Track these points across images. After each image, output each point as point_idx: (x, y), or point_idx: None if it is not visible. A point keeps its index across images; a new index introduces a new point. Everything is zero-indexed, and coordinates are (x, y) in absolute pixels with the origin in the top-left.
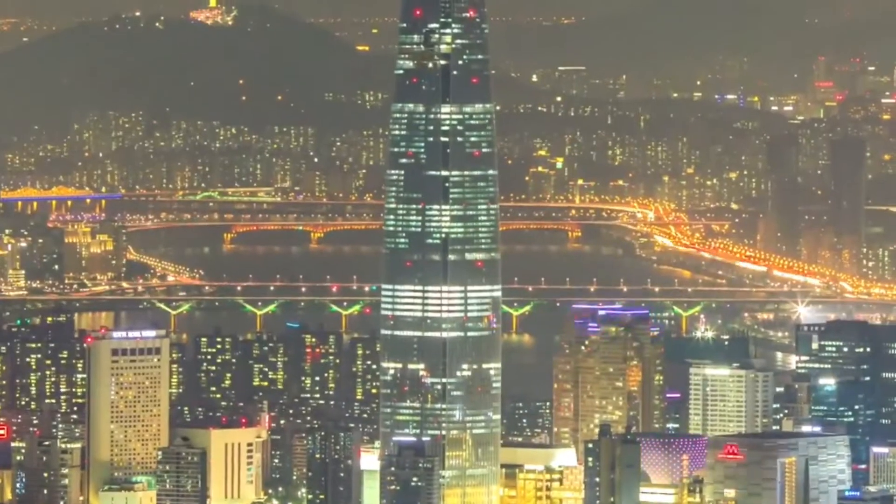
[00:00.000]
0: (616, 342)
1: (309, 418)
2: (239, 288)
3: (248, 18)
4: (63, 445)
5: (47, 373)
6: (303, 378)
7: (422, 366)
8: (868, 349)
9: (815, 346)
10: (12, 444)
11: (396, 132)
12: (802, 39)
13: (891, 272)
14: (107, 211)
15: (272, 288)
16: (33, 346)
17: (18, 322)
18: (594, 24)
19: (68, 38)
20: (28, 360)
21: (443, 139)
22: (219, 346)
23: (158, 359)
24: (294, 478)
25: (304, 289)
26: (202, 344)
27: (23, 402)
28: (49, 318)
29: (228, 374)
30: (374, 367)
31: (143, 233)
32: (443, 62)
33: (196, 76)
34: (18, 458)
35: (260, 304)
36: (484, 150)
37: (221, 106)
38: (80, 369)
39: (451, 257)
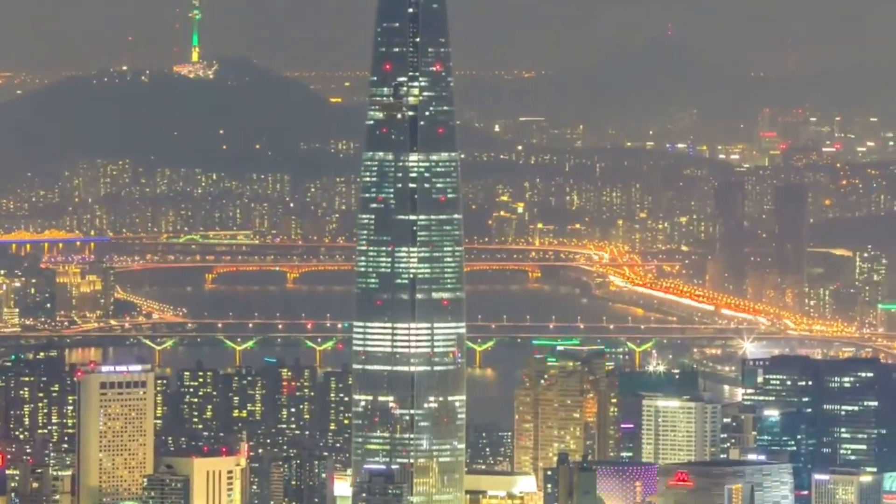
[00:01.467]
0: (573, 376)
1: (285, 447)
2: (219, 325)
3: (229, 72)
4: (55, 473)
5: (40, 405)
6: (280, 410)
7: (391, 398)
8: (810, 382)
9: (760, 379)
10: (7, 472)
11: (367, 179)
12: (748, 92)
13: (831, 311)
14: (96, 253)
15: (251, 325)
16: (27, 379)
17: (13, 357)
18: (553, 77)
19: (60, 91)
20: (22, 392)
21: (411, 185)
22: (200, 380)
23: (144, 391)
24: (272, 503)
25: (280, 326)
26: (185, 377)
27: (17, 433)
28: (41, 354)
29: (210, 406)
30: (347, 399)
31: (129, 273)
32: (411, 113)
33: (179, 126)
34: (13, 484)
35: (239, 340)
36: (449, 195)
37: (203, 154)
38: (70, 402)
39: (419, 296)
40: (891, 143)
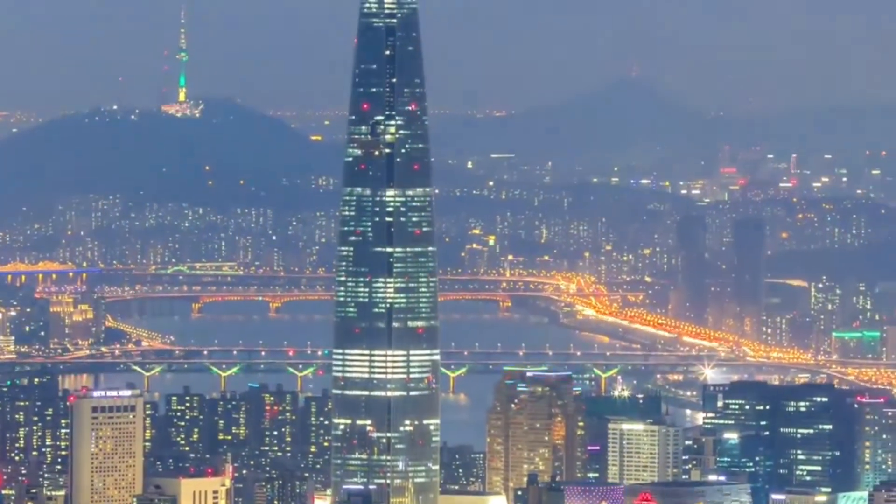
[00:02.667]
0: (542, 400)
1: (268, 468)
2: (205, 352)
3: (214, 111)
4: (48, 493)
5: (34, 428)
6: (263, 433)
7: (369, 421)
8: (767, 407)
9: (720, 404)
10: (3, 492)
11: (346, 213)
12: (708, 130)
13: (787, 338)
14: (87, 283)
15: (235, 352)
16: (22, 404)
17: (9, 383)
18: (522, 116)
19: (53, 129)
20: (17, 416)
21: (387, 219)
22: (187, 404)
23: (133, 415)
24: None
25: (263, 353)
26: (173, 402)
27: (12, 455)
28: (36, 380)
29: (196, 429)
30: (327, 422)
31: (120, 303)
32: (387, 150)
33: (167, 163)
34: None
35: (224, 366)
36: (424, 229)
37: (189, 189)
38: (63, 425)
39: (395, 325)
40: (844, 179)
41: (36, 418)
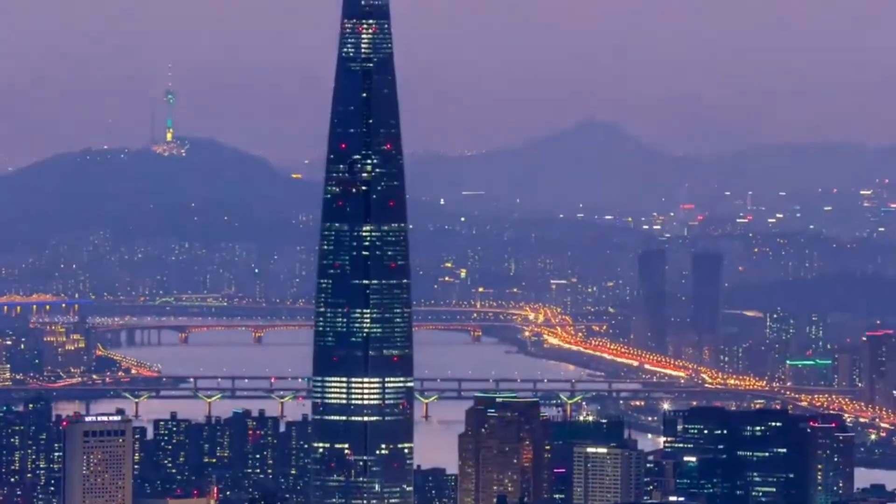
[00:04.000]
0: (511, 425)
1: (251, 490)
2: (192, 379)
3: (199, 151)
4: None
5: (29, 451)
6: (246, 456)
7: (346, 445)
8: (725, 431)
9: (679, 428)
10: None
11: (325, 247)
12: (669, 169)
13: (744, 366)
14: (79, 314)
15: (219, 379)
16: (17, 428)
17: (4, 408)
18: (493, 156)
19: (47, 168)
20: (13, 440)
21: (364, 253)
22: (174, 429)
23: (123, 439)
24: None
25: (246, 380)
26: (160, 427)
27: (8, 477)
28: (30, 405)
29: (182, 453)
30: (307, 446)
31: (110, 332)
32: (364, 188)
33: (154, 199)
34: None
35: (210, 392)
36: (399, 262)
37: (176, 225)
38: (56, 448)
39: (371, 353)
40: (797, 215)
41: (30, 442)
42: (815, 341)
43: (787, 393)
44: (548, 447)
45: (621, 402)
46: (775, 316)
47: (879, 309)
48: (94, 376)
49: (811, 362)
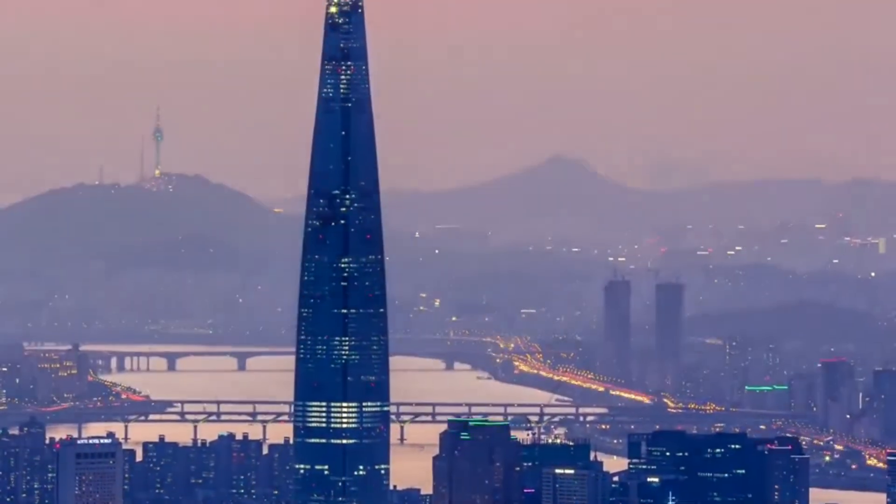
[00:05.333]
0: (483, 447)
1: None
2: (181, 405)
3: (186, 186)
4: None
5: (23, 472)
6: (231, 477)
7: (326, 466)
8: (686, 453)
9: (643, 450)
10: None
11: (306, 278)
12: (634, 203)
13: (704, 391)
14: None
15: (205, 404)
16: (12, 450)
17: (1, 431)
18: (466, 191)
19: (41, 203)
20: (9, 461)
21: (343, 284)
22: (162, 451)
23: (113, 461)
24: None
25: (232, 404)
26: (149, 449)
27: (3, 497)
28: (25, 429)
29: (170, 474)
30: (288, 467)
31: (101, 359)
32: (343, 222)
33: (144, 232)
34: None
35: (198, 415)
36: (376, 292)
37: (165, 256)
38: (50, 469)
39: (350, 379)
40: (756, 247)
41: (25, 463)
42: (772, 368)
43: (746, 417)
44: (518, 468)
45: (588, 425)
46: (734, 344)
47: (833, 337)
48: (86, 401)
49: (768, 388)
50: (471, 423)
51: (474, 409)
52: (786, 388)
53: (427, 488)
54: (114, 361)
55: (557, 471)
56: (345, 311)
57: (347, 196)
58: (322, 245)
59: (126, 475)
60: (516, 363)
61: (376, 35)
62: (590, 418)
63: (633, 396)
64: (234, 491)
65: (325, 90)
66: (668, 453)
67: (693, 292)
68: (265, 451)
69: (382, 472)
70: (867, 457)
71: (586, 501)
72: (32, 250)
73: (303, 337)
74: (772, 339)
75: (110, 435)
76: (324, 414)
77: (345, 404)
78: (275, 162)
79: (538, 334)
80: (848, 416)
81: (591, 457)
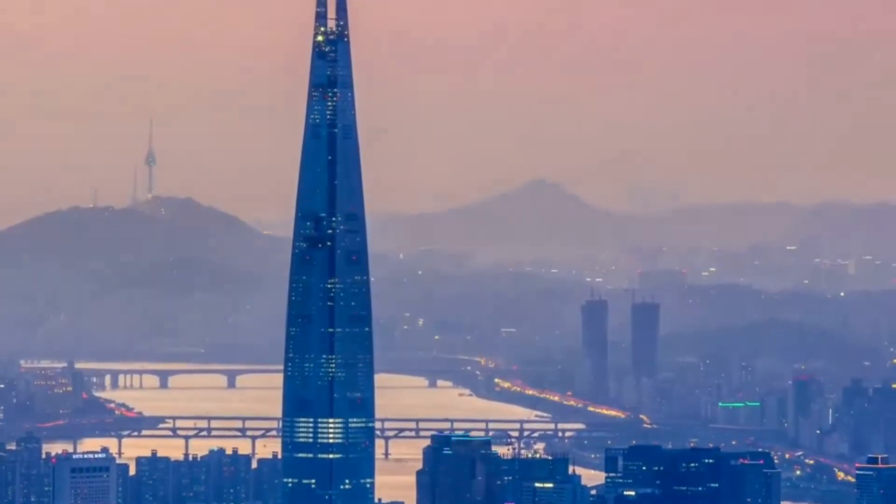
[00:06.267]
0: (465, 462)
1: None
2: (173, 421)
3: (177, 209)
4: None
5: (21, 486)
6: (222, 490)
7: (313, 480)
8: (661, 468)
9: (620, 464)
10: None
11: (294, 298)
12: (612, 225)
13: (679, 408)
14: (67, 360)
15: (196, 421)
16: (10, 465)
17: None
18: (448, 213)
19: (37, 226)
20: (7, 476)
21: (329, 303)
22: (155, 465)
23: (107, 475)
24: None
25: (223, 420)
26: (142, 463)
27: None
28: (22, 444)
29: (162, 487)
30: (277, 481)
31: (96, 377)
32: (330, 244)
33: (137, 254)
34: None
35: (189, 431)
36: (362, 312)
37: (157, 277)
38: (46, 483)
39: (336, 395)
40: (729, 268)
41: (22, 477)
42: (745, 385)
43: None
44: (499, 482)
45: (566, 440)
46: (708, 361)
47: (804, 355)
48: (82, 417)
49: (741, 404)
50: (453, 439)
51: (456, 425)
52: (758, 404)
53: (411, 502)
54: (108, 379)
55: (537, 484)
56: (331, 329)
57: (334, 219)
58: (309, 266)
59: (120, 489)
60: (497, 380)
61: (362, 63)
62: (568, 434)
63: (610, 413)
64: (225, 503)
65: (312, 116)
66: (643, 467)
67: (668, 312)
68: (254, 465)
69: (368, 485)
70: (837, 471)
71: None
72: (29, 271)
73: (291, 355)
74: (744, 357)
75: (104, 450)
76: (311, 429)
77: (331, 420)
78: (264, 186)
79: (518, 352)
80: (818, 432)
81: (570, 471)
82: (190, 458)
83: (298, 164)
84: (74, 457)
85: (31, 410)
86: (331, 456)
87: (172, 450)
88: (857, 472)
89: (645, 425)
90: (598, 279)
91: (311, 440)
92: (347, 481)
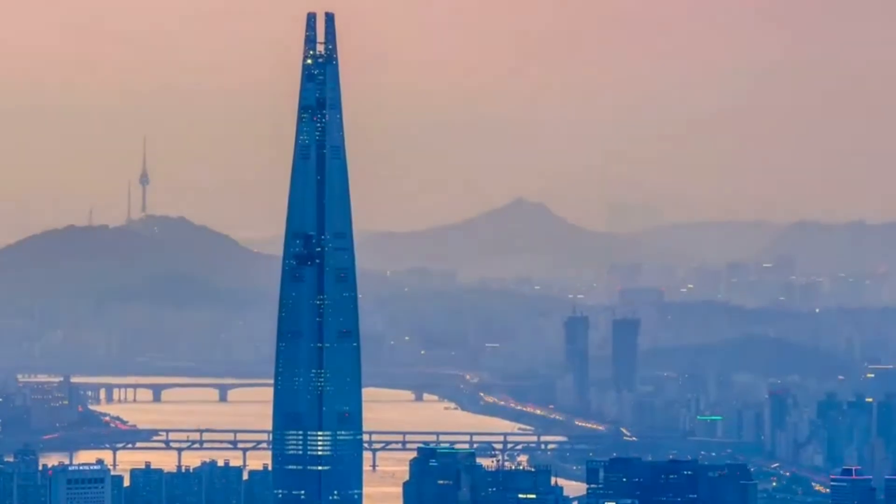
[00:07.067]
0: (451, 473)
1: None
2: (166, 433)
3: (171, 228)
4: None
5: (18, 497)
6: (214, 501)
7: (303, 492)
8: (641, 479)
9: (601, 475)
10: None
11: (284, 314)
12: (593, 243)
13: (659, 421)
14: (63, 373)
15: (189, 433)
16: (8, 476)
17: None
18: (434, 232)
19: (35, 244)
20: (4, 487)
21: (318, 319)
22: (149, 476)
23: (102, 486)
24: None
25: (215, 433)
26: (136, 475)
27: None
28: (20, 456)
29: (156, 498)
30: (267, 492)
31: (91, 390)
32: (318, 261)
33: (131, 271)
34: None
35: (182, 443)
36: (350, 328)
37: (151, 294)
38: (43, 494)
39: (325, 408)
40: (707, 285)
41: (20, 489)
42: (722, 399)
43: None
44: (483, 493)
45: (549, 452)
46: (687, 376)
47: (780, 370)
48: (77, 430)
49: (719, 417)
50: (439, 451)
51: (442, 438)
52: (735, 418)
53: None
54: (103, 393)
55: (520, 495)
56: (320, 345)
57: (323, 237)
58: (299, 283)
59: (114, 500)
60: (482, 394)
61: (350, 85)
62: (551, 446)
63: (592, 426)
64: None
65: (301, 137)
66: (624, 479)
67: (648, 327)
68: (245, 476)
69: (356, 496)
70: (812, 483)
71: None
72: (26, 288)
73: (281, 369)
74: (722, 371)
75: (100, 462)
76: (300, 442)
77: (320, 433)
78: (255, 205)
79: (502, 366)
80: (794, 445)
81: (552, 482)
82: (183, 469)
83: (288, 183)
84: (70, 468)
85: (29, 423)
86: (320, 468)
87: (166, 462)
88: (832, 483)
89: (625, 438)
90: (579, 296)
91: (300, 452)
92: (336, 492)
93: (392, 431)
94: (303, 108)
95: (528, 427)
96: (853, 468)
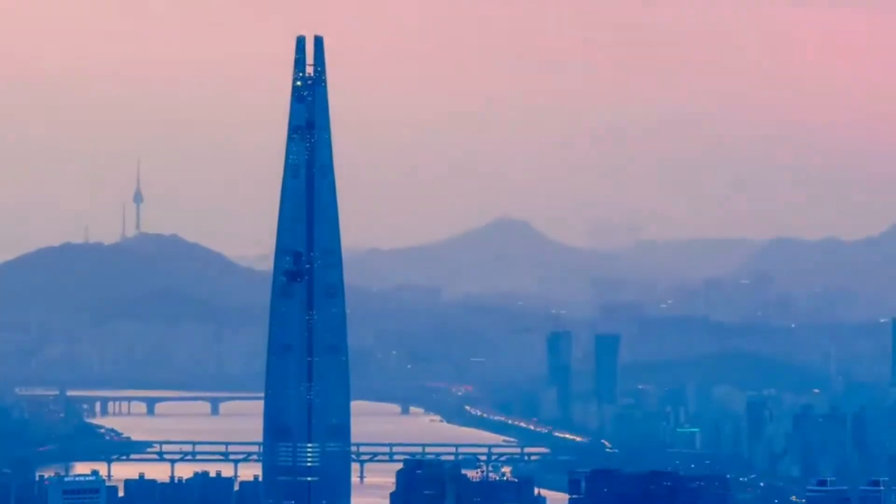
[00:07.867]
0: (436, 484)
1: None
2: (160, 445)
3: (164, 245)
4: None
5: None
6: None
7: (293, 502)
8: (622, 490)
9: (583, 486)
10: None
11: (274, 329)
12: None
13: (637, 431)
14: (59, 387)
15: (182, 445)
16: (5, 488)
17: None
18: (419, 249)
19: (31, 261)
20: (2, 498)
21: (307, 334)
22: (142, 487)
23: (97, 497)
24: None
25: (207, 446)
26: (131, 486)
27: None
28: (17, 467)
29: None
30: (258, 502)
31: (86, 403)
32: (307, 277)
33: (126, 287)
34: None
35: (175, 455)
36: (338, 342)
37: (145, 309)
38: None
39: (314, 421)
40: (686, 300)
41: (17, 500)
42: (701, 412)
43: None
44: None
45: (525, 460)
46: (666, 389)
47: (757, 383)
48: (74, 442)
49: (696, 429)
50: (425, 462)
51: (428, 450)
52: (698, 430)
53: None
54: (98, 406)
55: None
56: (309, 359)
57: (312, 254)
58: (289, 299)
59: None
60: (466, 407)
61: (338, 106)
62: (534, 457)
63: (574, 437)
64: None
65: (291, 157)
66: (605, 489)
67: (629, 342)
68: (237, 487)
69: None
70: (789, 494)
71: None
72: (24, 303)
73: (271, 383)
74: (701, 384)
75: (95, 473)
76: (290, 453)
77: (309, 445)
78: (246, 222)
79: (486, 380)
80: (770, 456)
81: (535, 493)
82: (176, 480)
83: (278, 202)
84: (66, 480)
85: (26, 435)
86: (309, 479)
87: (159, 473)
88: (808, 494)
89: (607, 449)
90: (562, 311)
91: (290, 464)
92: (325, 503)
93: (379, 443)
94: (292, 128)
95: (511, 439)
96: (828, 479)
